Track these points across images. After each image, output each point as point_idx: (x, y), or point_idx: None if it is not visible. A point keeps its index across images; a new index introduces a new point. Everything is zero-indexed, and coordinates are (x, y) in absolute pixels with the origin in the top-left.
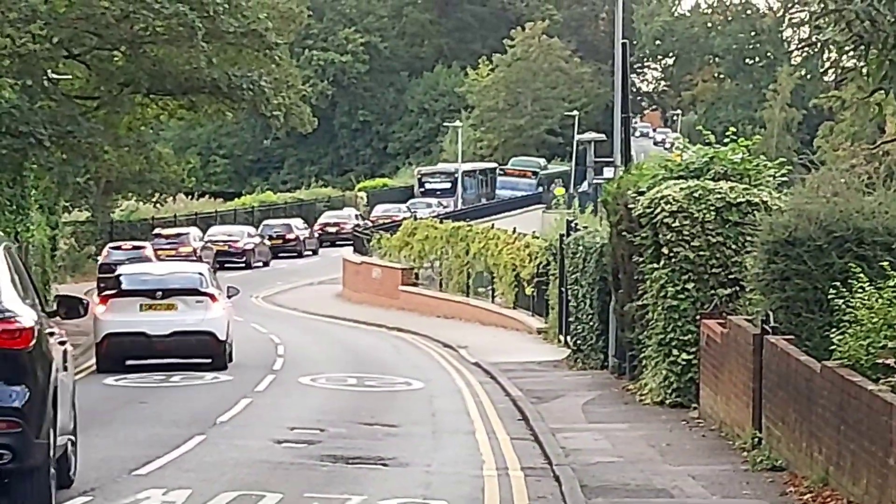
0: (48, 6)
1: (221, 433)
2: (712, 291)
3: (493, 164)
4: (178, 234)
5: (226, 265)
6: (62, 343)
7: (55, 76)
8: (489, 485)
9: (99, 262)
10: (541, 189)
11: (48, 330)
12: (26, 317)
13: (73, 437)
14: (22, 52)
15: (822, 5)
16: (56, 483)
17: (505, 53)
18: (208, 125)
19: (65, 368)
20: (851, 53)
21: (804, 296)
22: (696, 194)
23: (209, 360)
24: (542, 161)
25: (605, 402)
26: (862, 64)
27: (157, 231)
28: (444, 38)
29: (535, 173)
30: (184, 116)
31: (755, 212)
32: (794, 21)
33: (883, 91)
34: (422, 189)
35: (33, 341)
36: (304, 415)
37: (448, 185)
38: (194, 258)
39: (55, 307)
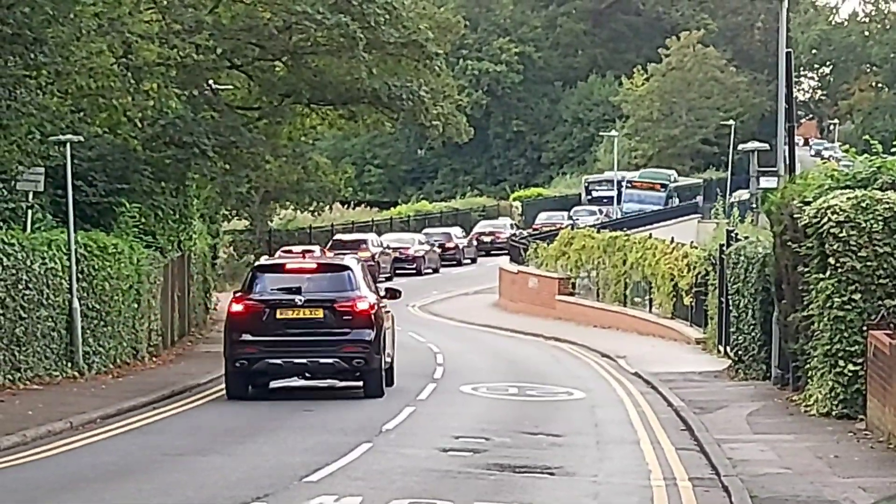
0: (213, 17)
1: (388, 441)
2: (880, 302)
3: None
4: (357, 241)
5: (397, 271)
6: (387, 311)
7: (218, 87)
8: (658, 495)
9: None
10: (671, 202)
11: (381, 304)
12: (371, 297)
13: (391, 359)
14: (186, 63)
15: None
16: (386, 381)
17: (659, 63)
18: (363, 136)
19: (388, 322)
20: None
21: None
22: (863, 204)
23: None
24: (672, 173)
25: (769, 413)
26: None
27: (337, 237)
28: (597, 47)
29: (663, 186)
30: (343, 126)
31: None
32: None
33: None
34: (588, 197)
35: (374, 309)
36: (468, 424)
37: (615, 194)
38: (372, 263)
39: (384, 294)
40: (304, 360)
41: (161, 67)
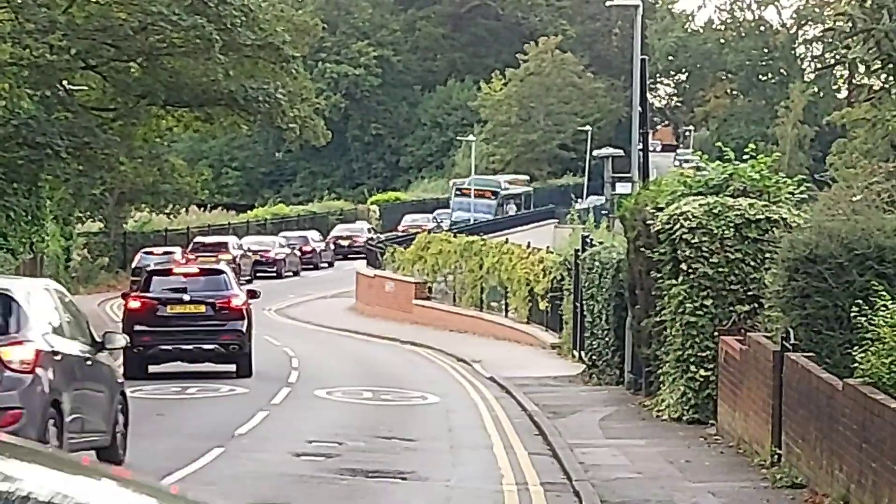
0: (67, 17)
1: (240, 446)
2: (731, 308)
3: (525, 178)
4: (218, 243)
5: (257, 274)
6: (250, 308)
7: (72, 87)
8: (509, 499)
9: (133, 266)
10: (501, 210)
11: (249, 301)
12: (242, 296)
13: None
14: (40, 63)
15: (851, 24)
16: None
17: (518, 68)
18: (221, 137)
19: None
20: (880, 71)
21: (825, 313)
22: (715, 210)
23: None
24: (503, 179)
25: (621, 418)
26: (892, 81)
27: (198, 239)
28: (457, 52)
29: (494, 193)
30: (199, 128)
31: (774, 229)
32: (807, 38)
33: None
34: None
35: (245, 306)
36: (322, 428)
37: (525, 193)
38: (234, 266)
39: (246, 294)
40: (189, 347)
41: (13, 67)
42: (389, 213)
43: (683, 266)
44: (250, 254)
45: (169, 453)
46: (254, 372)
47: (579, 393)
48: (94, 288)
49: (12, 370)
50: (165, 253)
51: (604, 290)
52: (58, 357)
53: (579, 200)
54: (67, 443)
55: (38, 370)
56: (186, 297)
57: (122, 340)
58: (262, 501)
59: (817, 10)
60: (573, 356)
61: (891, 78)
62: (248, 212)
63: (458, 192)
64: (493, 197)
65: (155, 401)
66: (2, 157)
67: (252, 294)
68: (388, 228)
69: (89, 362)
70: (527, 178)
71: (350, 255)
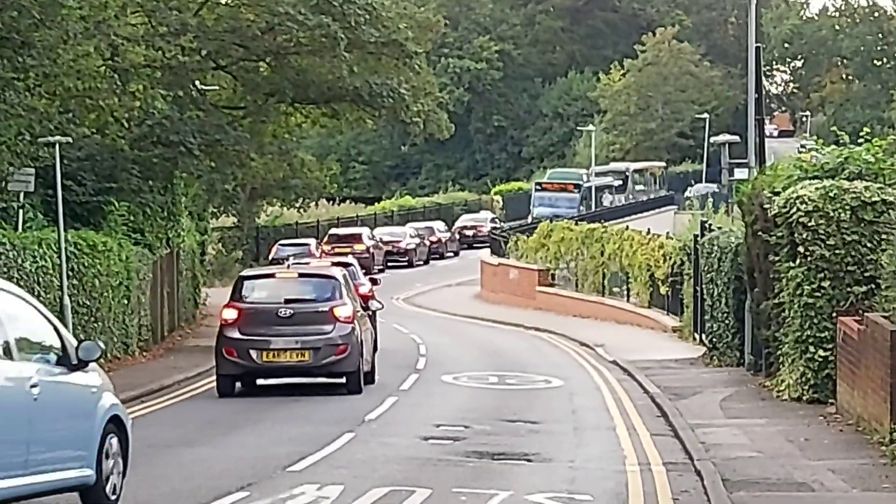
0: (197, 20)
1: (370, 431)
2: (848, 289)
3: (662, 164)
4: (352, 235)
5: (389, 264)
6: (374, 295)
7: (203, 87)
8: (632, 480)
9: (270, 258)
10: (587, 204)
11: (373, 288)
12: (368, 284)
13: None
14: (172, 65)
15: None
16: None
17: (636, 58)
18: (348, 133)
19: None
20: None
21: None
22: (831, 194)
23: None
24: (585, 172)
25: (742, 399)
26: None
27: (332, 231)
28: (576, 44)
29: (577, 186)
30: (326, 124)
31: (890, 210)
32: None
33: None
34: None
35: (371, 293)
36: (449, 412)
37: (619, 183)
38: (367, 256)
39: (369, 282)
40: None
41: (147, 69)
42: (512, 203)
43: (801, 249)
44: (382, 244)
45: (302, 438)
46: (378, 348)
47: (700, 375)
48: (229, 280)
49: (341, 322)
50: (301, 244)
51: (723, 273)
52: (358, 313)
53: (691, 189)
54: (365, 366)
55: (354, 321)
56: None
57: (377, 305)
58: (391, 484)
59: None
60: (694, 339)
61: None
62: (376, 204)
63: (538, 188)
64: (575, 190)
65: (291, 386)
66: (138, 155)
67: (374, 282)
68: (512, 217)
69: (364, 316)
70: (662, 164)
71: (474, 245)
